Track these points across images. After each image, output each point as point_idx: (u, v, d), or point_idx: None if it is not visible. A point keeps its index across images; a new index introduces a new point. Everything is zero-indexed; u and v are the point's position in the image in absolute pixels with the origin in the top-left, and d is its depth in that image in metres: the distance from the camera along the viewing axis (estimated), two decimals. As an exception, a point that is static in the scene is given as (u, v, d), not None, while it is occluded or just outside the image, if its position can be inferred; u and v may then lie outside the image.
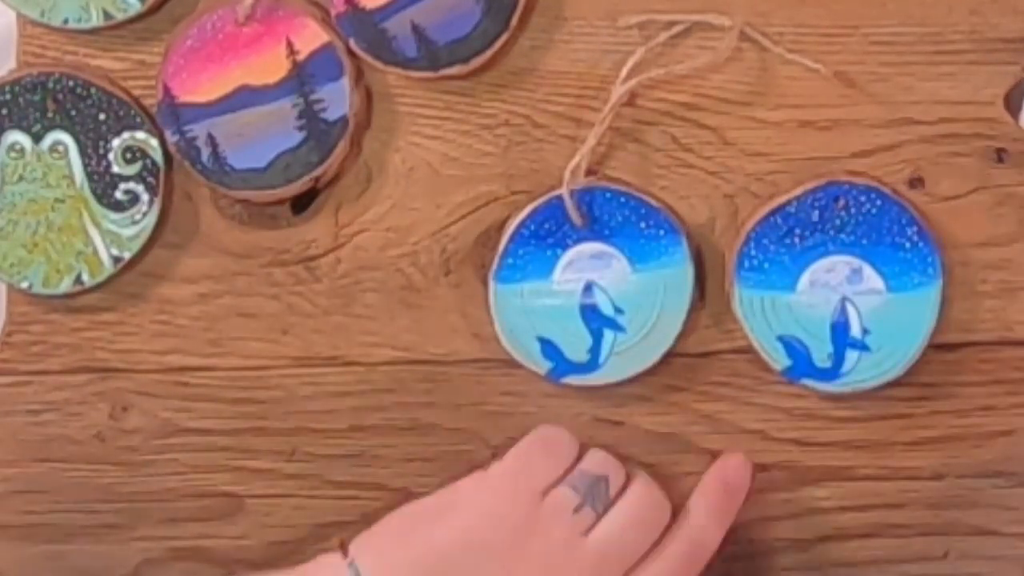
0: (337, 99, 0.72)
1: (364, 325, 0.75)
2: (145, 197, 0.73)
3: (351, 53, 0.72)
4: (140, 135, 0.73)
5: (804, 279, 0.72)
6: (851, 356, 0.72)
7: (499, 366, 0.74)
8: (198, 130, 0.73)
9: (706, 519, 0.69)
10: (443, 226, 0.74)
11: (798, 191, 0.72)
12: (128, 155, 0.73)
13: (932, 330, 0.72)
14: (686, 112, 0.72)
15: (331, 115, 0.72)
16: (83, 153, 0.73)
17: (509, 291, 0.72)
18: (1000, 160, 0.72)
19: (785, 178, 0.72)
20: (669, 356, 0.73)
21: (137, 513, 0.76)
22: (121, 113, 0.73)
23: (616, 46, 0.72)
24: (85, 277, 0.74)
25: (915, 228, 0.71)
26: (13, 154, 0.73)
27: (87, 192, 0.73)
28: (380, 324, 0.75)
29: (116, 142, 0.73)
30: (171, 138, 0.73)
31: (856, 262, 0.71)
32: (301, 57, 0.72)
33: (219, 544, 0.77)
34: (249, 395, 0.75)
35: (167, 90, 0.73)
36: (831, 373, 0.72)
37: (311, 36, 0.72)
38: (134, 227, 0.73)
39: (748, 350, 0.73)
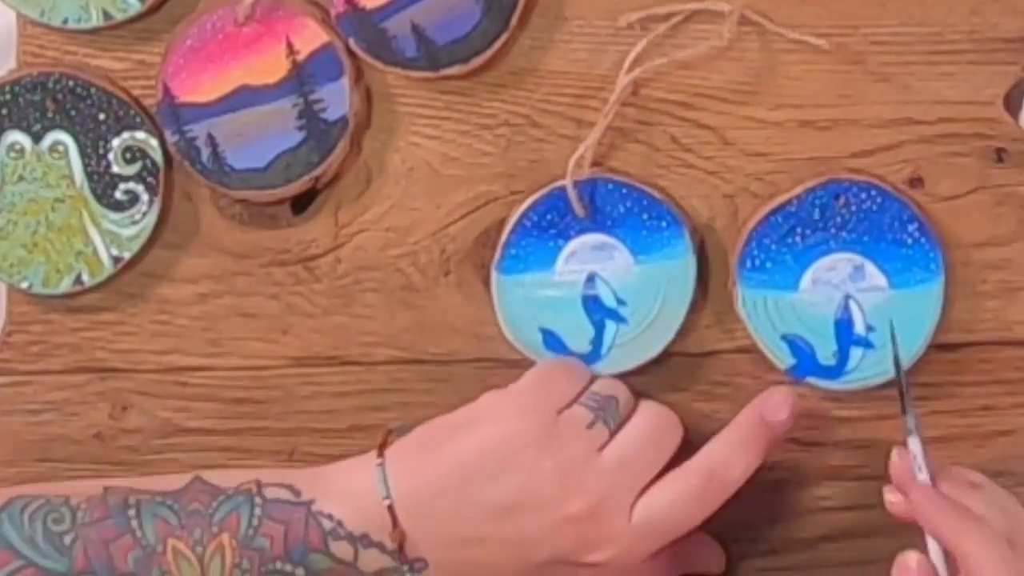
0: (337, 99, 0.72)
1: (364, 325, 0.75)
2: (145, 197, 0.73)
3: (351, 53, 0.72)
4: (140, 135, 0.73)
5: (806, 278, 0.72)
6: (856, 353, 0.72)
7: (499, 366, 0.74)
8: (198, 130, 0.72)
9: (729, 453, 0.69)
10: (443, 226, 0.74)
11: (799, 190, 0.72)
12: (128, 155, 0.73)
13: (936, 326, 0.72)
14: (686, 112, 0.72)
15: (331, 115, 0.72)
16: (83, 153, 0.73)
17: (511, 282, 0.72)
18: (1000, 160, 0.72)
19: (785, 178, 0.72)
20: (670, 356, 0.73)
21: (137, 514, 0.76)
22: (121, 113, 0.73)
23: (616, 46, 0.72)
24: (85, 277, 0.74)
25: (916, 224, 0.71)
26: (13, 154, 0.73)
27: (87, 192, 0.73)
28: (380, 324, 0.74)
29: (116, 142, 0.73)
30: (171, 138, 0.73)
31: (858, 259, 0.71)
32: (301, 57, 0.72)
33: (219, 545, 0.77)
34: (248, 395, 0.75)
35: (167, 90, 0.73)
36: (836, 371, 0.72)
37: (311, 36, 0.72)
38: (134, 227, 0.73)
39: (749, 350, 0.73)
